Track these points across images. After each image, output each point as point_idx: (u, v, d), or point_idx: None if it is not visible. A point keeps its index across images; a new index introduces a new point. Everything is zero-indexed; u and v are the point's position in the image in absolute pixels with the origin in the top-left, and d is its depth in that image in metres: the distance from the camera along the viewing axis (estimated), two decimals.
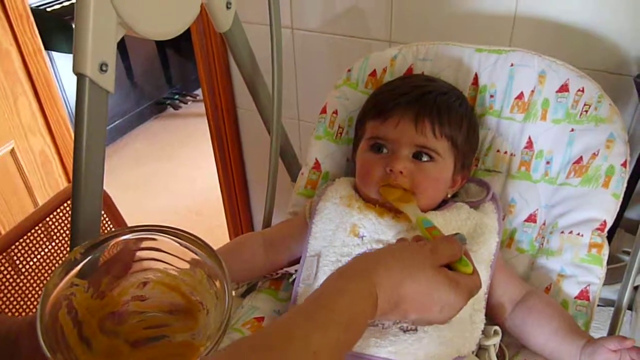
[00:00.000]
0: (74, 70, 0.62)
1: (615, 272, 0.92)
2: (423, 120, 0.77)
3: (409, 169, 0.76)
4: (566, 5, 0.98)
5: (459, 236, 0.63)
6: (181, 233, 0.59)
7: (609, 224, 0.78)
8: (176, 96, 3.30)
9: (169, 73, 3.28)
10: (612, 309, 0.81)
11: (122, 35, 0.66)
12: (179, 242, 0.59)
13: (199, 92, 3.31)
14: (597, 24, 0.97)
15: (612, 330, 0.79)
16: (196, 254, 0.59)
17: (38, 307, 0.53)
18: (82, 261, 0.57)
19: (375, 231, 0.76)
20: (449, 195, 0.83)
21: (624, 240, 1.10)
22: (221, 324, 0.52)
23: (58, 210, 1.15)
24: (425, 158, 0.77)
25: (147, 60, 3.08)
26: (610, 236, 0.80)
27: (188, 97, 3.31)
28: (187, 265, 0.60)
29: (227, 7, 0.84)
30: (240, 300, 0.87)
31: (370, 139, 0.81)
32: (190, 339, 0.56)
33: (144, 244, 0.60)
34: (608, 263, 0.78)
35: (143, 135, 3.12)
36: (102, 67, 0.62)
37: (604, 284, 0.77)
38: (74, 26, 0.60)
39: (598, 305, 0.77)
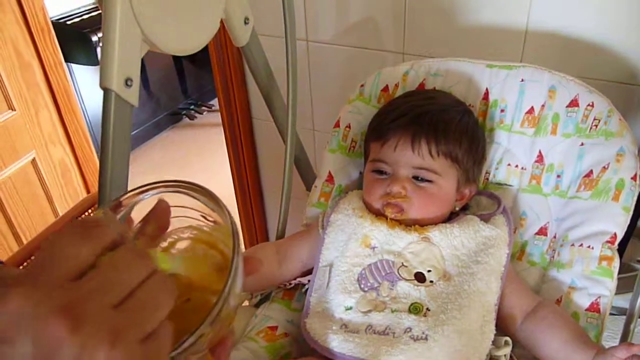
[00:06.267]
0: (100, 85, 0.65)
1: (628, 281, 0.92)
2: (419, 142, 0.79)
3: (408, 188, 0.78)
4: (577, 19, 0.99)
5: None
6: (197, 187, 0.48)
7: (619, 237, 0.79)
8: (192, 106, 3.33)
9: (185, 84, 3.32)
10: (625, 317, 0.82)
11: (146, 52, 0.69)
12: (197, 198, 0.49)
13: (214, 102, 3.35)
14: (607, 37, 0.98)
15: (624, 339, 0.80)
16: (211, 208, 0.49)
17: None
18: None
19: (387, 242, 0.78)
20: (457, 208, 0.84)
21: (638, 249, 1.10)
22: (226, 282, 0.42)
23: None
24: (424, 180, 0.79)
25: (163, 71, 3.12)
26: (623, 245, 0.80)
27: (203, 108, 3.35)
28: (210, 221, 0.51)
29: (245, 23, 0.86)
30: (254, 309, 0.88)
31: (373, 161, 0.84)
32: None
33: (173, 202, 0.50)
34: (621, 272, 0.78)
35: (159, 145, 3.16)
36: (127, 82, 0.65)
37: (618, 293, 0.78)
38: (93, 40, 0.62)
39: (611, 314, 0.78)
